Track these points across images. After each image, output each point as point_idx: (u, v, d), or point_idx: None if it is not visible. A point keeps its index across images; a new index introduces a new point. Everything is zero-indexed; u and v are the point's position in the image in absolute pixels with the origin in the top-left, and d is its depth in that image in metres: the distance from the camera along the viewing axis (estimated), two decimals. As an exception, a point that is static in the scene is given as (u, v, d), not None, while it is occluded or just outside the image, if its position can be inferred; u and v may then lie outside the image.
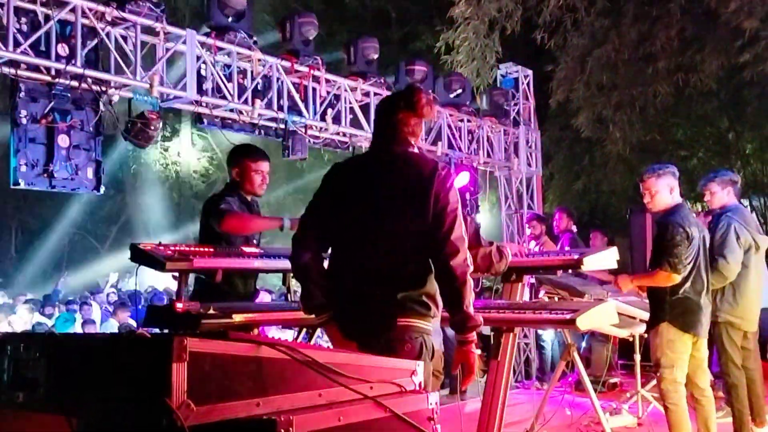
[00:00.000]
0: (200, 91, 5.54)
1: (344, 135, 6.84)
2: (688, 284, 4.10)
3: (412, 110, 2.80)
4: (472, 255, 3.27)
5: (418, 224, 2.62)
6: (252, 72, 5.92)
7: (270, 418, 1.56)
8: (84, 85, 4.94)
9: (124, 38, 5.17)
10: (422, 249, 2.65)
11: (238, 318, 3.13)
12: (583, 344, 7.31)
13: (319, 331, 6.81)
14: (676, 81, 9.75)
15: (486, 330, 8.42)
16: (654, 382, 4.67)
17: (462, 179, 8.01)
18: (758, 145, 10.77)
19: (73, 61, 4.79)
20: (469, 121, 8.09)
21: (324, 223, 2.77)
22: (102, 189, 5.22)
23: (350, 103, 6.74)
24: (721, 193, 4.88)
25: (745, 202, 10.36)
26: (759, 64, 8.58)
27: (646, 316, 4.46)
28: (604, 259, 3.83)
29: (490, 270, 3.44)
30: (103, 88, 5.12)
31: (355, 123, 6.84)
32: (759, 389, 4.87)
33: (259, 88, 6.00)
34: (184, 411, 1.46)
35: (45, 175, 4.82)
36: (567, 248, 7.28)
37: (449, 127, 7.80)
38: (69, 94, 4.95)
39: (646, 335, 4.60)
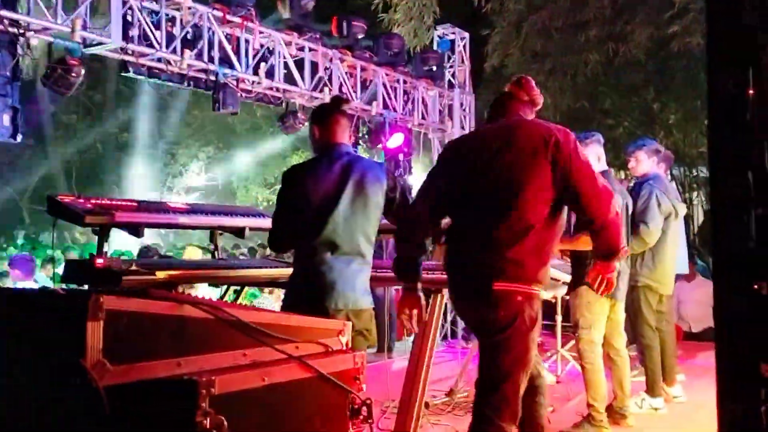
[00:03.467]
0: (126, 37, 5.31)
1: (278, 90, 6.71)
2: (608, 249, 4.22)
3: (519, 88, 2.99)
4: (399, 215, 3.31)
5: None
6: (181, 20, 5.70)
7: (191, 378, 1.53)
8: (0, 27, 4.65)
9: (44, -22, 4.88)
10: None
11: (161, 275, 3.04)
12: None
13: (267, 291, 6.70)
14: (606, 50, 9.91)
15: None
16: (573, 342, 4.84)
17: (396, 140, 8.00)
18: (681, 116, 11.10)
19: (-14, 0, 4.50)
20: (404, 81, 8.06)
21: (442, 200, 2.86)
22: (19, 137, 4.97)
23: (284, 57, 6.59)
24: (647, 162, 5.02)
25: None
26: (687, 36, 8.80)
27: (568, 278, 4.59)
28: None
29: None
30: (21, 31, 4.83)
31: (289, 78, 6.71)
32: (670, 350, 5.11)
33: (188, 37, 5.79)
34: (99, 371, 1.41)
35: (-44, 120, 4.56)
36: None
37: (384, 86, 7.75)
38: (-17, 36, 4.66)
39: (567, 297, 4.74)
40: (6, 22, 4.68)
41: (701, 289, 7.87)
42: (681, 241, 5.74)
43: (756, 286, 1.46)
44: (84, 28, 5.08)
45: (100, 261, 3.00)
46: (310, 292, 3.03)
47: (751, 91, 1.50)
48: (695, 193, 11.67)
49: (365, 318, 3.09)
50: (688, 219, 10.82)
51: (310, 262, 3.05)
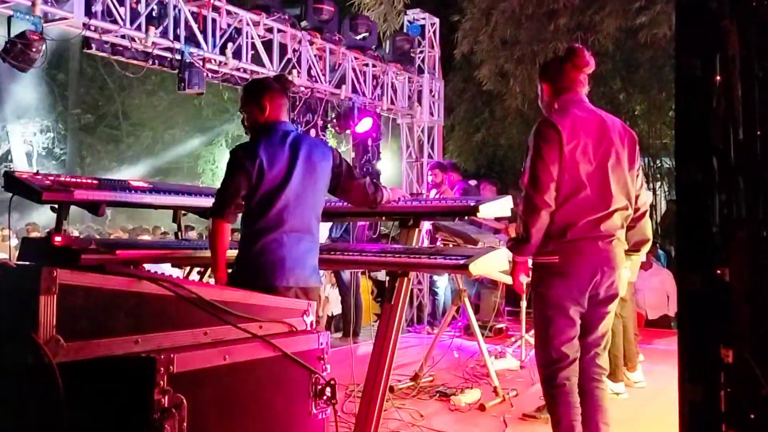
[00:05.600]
0: (88, 13, 5.17)
1: (245, 71, 6.60)
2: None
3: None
4: (348, 188, 3.31)
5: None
6: (146, -4, 5.57)
7: (149, 355, 1.49)
8: (-46, -3, 4.50)
9: (3, -52, 4.72)
10: None
11: (122, 254, 2.98)
12: (473, 291, 7.53)
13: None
14: (575, 39, 9.97)
15: (381, 275, 8.45)
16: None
17: (364, 125, 7.95)
18: (646, 107, 11.28)
19: (-59, -31, 4.34)
20: (374, 65, 8.00)
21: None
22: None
23: (252, 37, 6.49)
24: None
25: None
26: (653, 27, 8.90)
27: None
28: (499, 207, 3.90)
29: (366, 202, 3.46)
30: (-23, 3, 4.68)
31: (257, 59, 6.61)
32: (630, 336, 5.18)
33: (153, 14, 5.65)
34: (53, 347, 1.36)
35: None
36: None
37: (354, 70, 7.69)
38: (-63, 6, 4.49)
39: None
40: (-38, -7, 4.53)
41: (657, 277, 7.99)
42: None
43: (719, 272, 1.47)
44: (45, 2, 4.93)
45: (58, 239, 2.93)
46: (259, 269, 2.99)
47: (717, 78, 1.51)
48: (658, 183, 11.87)
49: (314, 297, 3.06)
50: (650, 208, 11.01)
51: (261, 239, 3.00)
